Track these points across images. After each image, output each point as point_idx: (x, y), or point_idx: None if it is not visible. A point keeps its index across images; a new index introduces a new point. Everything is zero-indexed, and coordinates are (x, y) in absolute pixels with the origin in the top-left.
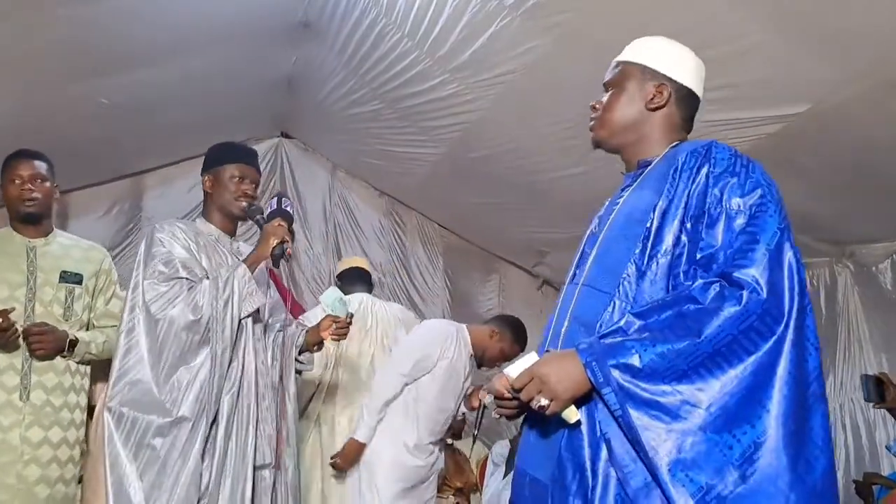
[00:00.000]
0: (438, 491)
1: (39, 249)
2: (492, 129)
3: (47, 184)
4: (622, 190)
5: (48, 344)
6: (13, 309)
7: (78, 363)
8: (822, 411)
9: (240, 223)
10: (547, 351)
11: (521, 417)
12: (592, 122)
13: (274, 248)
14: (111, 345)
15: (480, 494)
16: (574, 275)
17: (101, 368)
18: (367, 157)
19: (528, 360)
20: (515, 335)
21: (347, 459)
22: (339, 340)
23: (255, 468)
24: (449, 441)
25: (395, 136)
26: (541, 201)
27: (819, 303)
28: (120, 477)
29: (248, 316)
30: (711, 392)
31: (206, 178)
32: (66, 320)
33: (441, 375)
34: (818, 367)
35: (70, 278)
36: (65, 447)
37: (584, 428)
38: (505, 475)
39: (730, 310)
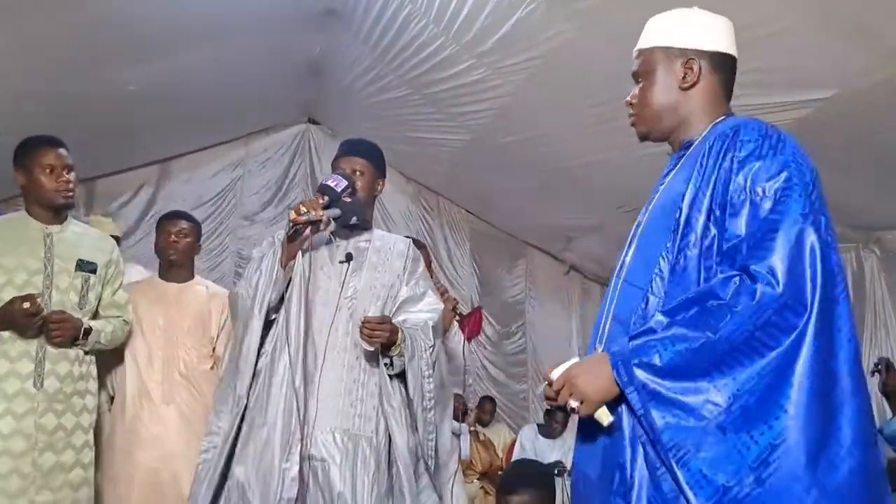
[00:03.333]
0: (463, 476)
1: (56, 236)
2: (518, 114)
3: (73, 173)
4: (664, 176)
5: (67, 332)
6: (41, 294)
7: (86, 352)
8: (856, 407)
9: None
10: (596, 349)
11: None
12: (632, 120)
13: (288, 230)
14: (117, 335)
15: None
16: (620, 268)
17: (116, 361)
18: (394, 142)
19: (566, 365)
20: None
21: None
22: (372, 343)
23: (302, 460)
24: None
25: (423, 122)
26: (567, 187)
27: None
28: None
29: (275, 307)
30: (729, 390)
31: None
32: (81, 308)
33: None
34: (852, 360)
35: (86, 267)
36: (80, 432)
37: (624, 429)
38: None
39: (744, 305)
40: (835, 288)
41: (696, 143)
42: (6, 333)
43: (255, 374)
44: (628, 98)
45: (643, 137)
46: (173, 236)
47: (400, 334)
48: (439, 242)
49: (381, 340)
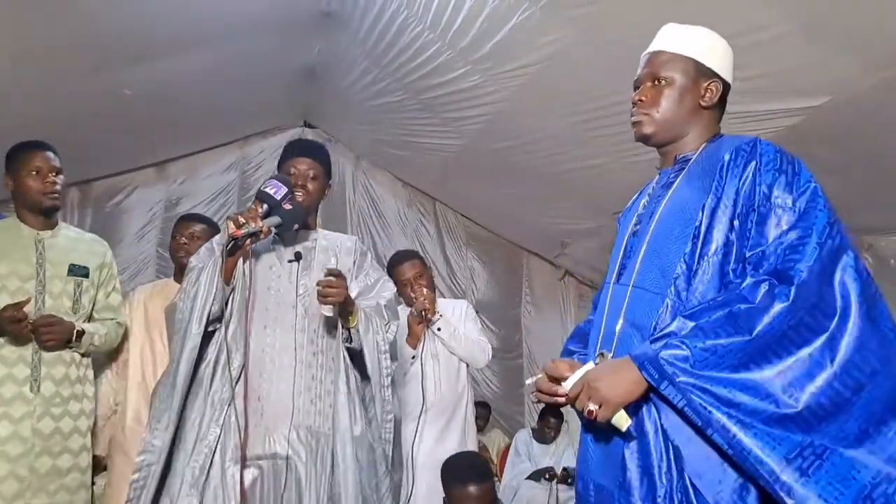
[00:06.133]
0: None
1: (47, 242)
2: (513, 120)
3: (62, 176)
4: (662, 187)
5: (58, 335)
6: (29, 300)
7: (82, 355)
8: None
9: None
10: (601, 353)
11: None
12: (639, 118)
13: (227, 244)
14: (111, 337)
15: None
16: (620, 274)
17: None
18: (390, 147)
19: (583, 370)
20: None
21: None
22: (327, 302)
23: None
24: None
25: (418, 127)
26: (562, 192)
27: None
28: None
29: (214, 318)
30: (762, 381)
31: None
32: (75, 313)
33: None
34: None
35: (78, 271)
36: (77, 436)
37: (650, 434)
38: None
39: (779, 306)
40: (869, 287)
41: (695, 157)
42: (2, 339)
43: (192, 387)
44: (636, 95)
45: (643, 139)
46: (184, 239)
47: (356, 307)
48: (436, 247)
49: (339, 298)
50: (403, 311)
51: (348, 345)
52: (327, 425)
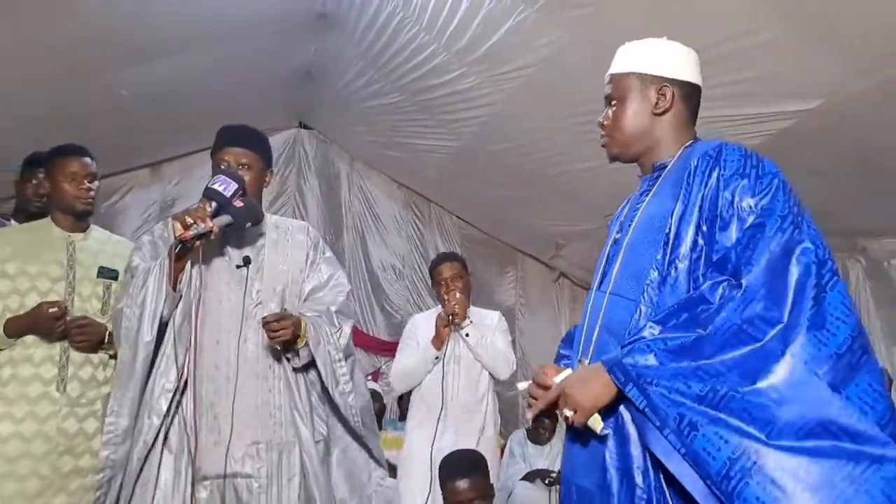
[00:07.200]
0: None
1: (78, 244)
2: (509, 122)
3: (97, 182)
4: (641, 195)
5: (90, 336)
6: (66, 300)
7: (111, 356)
8: (868, 373)
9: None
10: (580, 361)
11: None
12: (604, 141)
13: (175, 247)
14: None
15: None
16: (601, 281)
17: None
18: (385, 148)
19: (561, 376)
20: None
21: None
22: (276, 341)
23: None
24: None
25: (414, 129)
26: (557, 194)
27: None
28: None
29: (165, 321)
30: (722, 374)
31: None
32: (104, 315)
33: None
34: (851, 337)
35: (107, 274)
36: (100, 437)
37: (631, 436)
38: None
39: (731, 303)
40: (821, 278)
41: (671, 164)
42: (30, 338)
43: (146, 399)
44: (601, 119)
45: (613, 158)
46: None
47: (303, 325)
48: (430, 249)
49: (287, 336)
50: (432, 313)
51: (296, 364)
52: (290, 433)
